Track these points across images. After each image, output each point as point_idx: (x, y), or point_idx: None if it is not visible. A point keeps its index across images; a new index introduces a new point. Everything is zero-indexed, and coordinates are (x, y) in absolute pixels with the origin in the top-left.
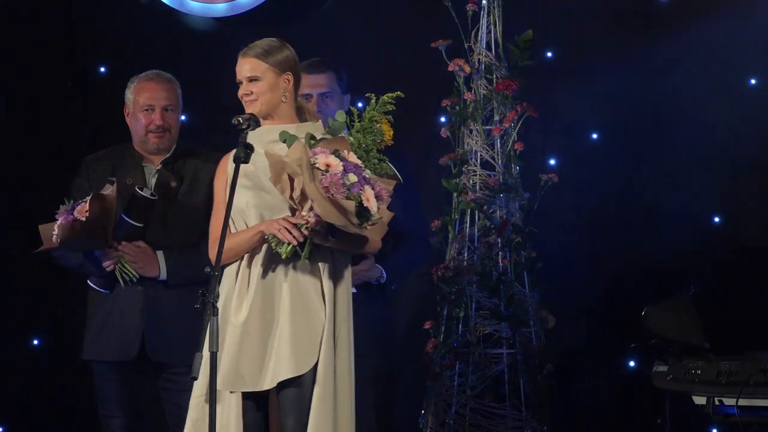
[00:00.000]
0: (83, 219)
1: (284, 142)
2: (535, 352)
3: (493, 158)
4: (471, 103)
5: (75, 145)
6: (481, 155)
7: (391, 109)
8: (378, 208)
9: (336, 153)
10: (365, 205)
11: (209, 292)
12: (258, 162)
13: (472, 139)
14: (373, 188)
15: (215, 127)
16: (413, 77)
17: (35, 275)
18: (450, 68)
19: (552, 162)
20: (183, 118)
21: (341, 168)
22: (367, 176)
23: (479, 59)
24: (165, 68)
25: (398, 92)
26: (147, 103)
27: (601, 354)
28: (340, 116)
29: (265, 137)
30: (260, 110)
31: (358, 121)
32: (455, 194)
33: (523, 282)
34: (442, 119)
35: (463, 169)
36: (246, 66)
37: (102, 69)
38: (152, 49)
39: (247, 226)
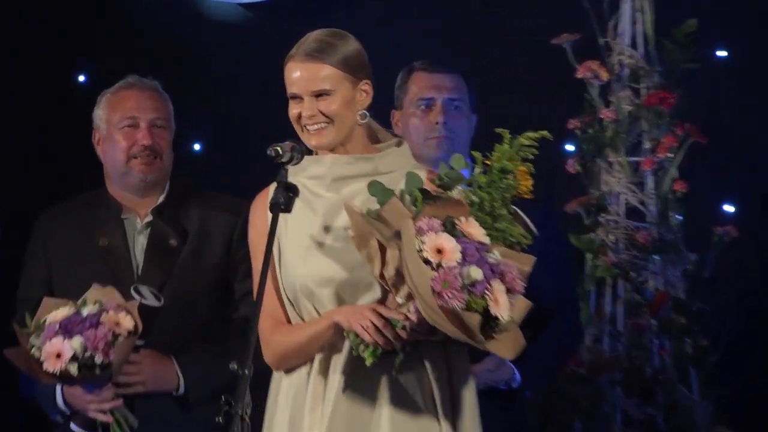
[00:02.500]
0: (107, 359)
1: (374, 195)
2: None
3: (642, 203)
4: (610, 124)
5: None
6: (626, 199)
7: (531, 154)
8: (510, 305)
9: (448, 224)
10: (493, 312)
11: (237, 399)
12: (323, 208)
13: (613, 176)
14: (503, 279)
15: (244, 159)
16: (525, 87)
17: None
18: (579, 74)
19: (729, 209)
20: (197, 147)
21: (458, 255)
22: (494, 261)
23: (620, 61)
24: (169, 78)
25: (543, 131)
26: (128, 116)
27: None
28: (458, 162)
29: (332, 170)
30: (333, 141)
31: (481, 172)
32: (589, 256)
33: (689, 383)
34: (569, 147)
35: (600, 218)
36: (309, 73)
37: (81, 78)
38: (149, 50)
39: (317, 312)
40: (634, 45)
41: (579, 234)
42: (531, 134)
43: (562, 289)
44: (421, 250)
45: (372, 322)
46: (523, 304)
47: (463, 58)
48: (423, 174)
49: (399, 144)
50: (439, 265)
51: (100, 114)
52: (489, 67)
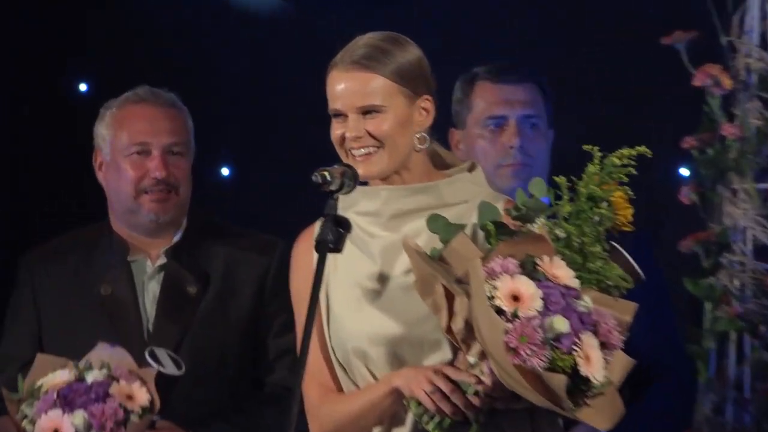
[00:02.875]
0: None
1: (435, 233)
2: None
3: None
4: (734, 142)
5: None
6: (754, 235)
7: (626, 176)
8: (606, 363)
9: (528, 264)
10: (583, 372)
11: None
12: (379, 250)
13: (738, 207)
14: (596, 331)
15: (281, 186)
16: (626, 97)
17: None
18: (696, 82)
19: None
20: (224, 172)
21: (539, 303)
22: (585, 309)
23: (747, 65)
24: (188, 88)
25: (641, 147)
26: (138, 141)
27: None
28: (537, 188)
29: (388, 205)
30: (384, 169)
31: (568, 201)
32: (708, 305)
33: None
34: (683, 172)
35: (722, 259)
36: (356, 85)
37: (83, 87)
38: (163, 54)
39: (373, 376)
40: (764, 45)
41: (696, 279)
42: (626, 151)
43: (668, 345)
44: (492, 297)
45: (437, 387)
46: (622, 362)
47: (545, 61)
48: (501, 205)
49: (471, 169)
50: (514, 316)
51: (102, 133)
52: (580, 72)
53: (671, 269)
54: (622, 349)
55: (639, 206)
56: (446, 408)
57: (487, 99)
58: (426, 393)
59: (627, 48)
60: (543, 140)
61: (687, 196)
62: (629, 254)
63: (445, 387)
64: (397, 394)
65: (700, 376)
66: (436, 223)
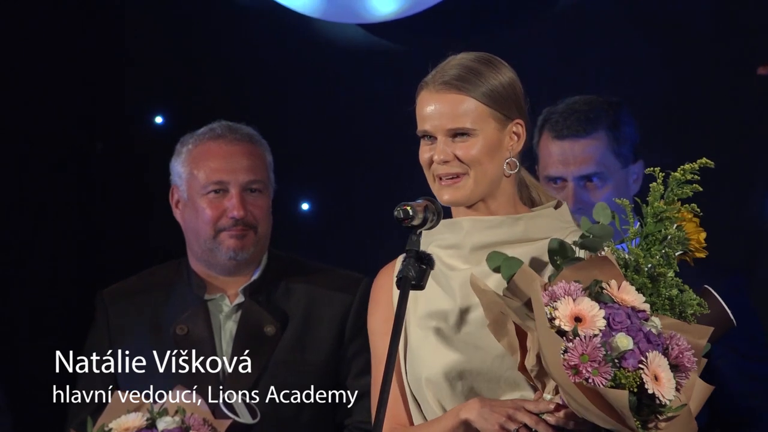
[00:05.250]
0: None
1: (497, 271)
2: None
3: None
4: None
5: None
6: None
7: (691, 192)
8: (678, 388)
9: (594, 289)
10: (650, 390)
11: None
12: (459, 284)
13: None
14: (666, 353)
15: (364, 222)
16: (719, 129)
17: None
18: None
19: None
20: (305, 207)
21: (602, 323)
22: (655, 330)
23: None
24: (267, 120)
25: (702, 159)
26: (215, 180)
27: None
28: (602, 213)
29: (470, 237)
30: (471, 196)
31: (634, 222)
32: None
33: None
34: None
35: None
36: (446, 107)
37: (158, 119)
38: (241, 86)
39: (444, 410)
40: None
41: None
42: (688, 166)
43: (761, 390)
44: (553, 318)
45: (522, 423)
46: (698, 387)
47: (640, 92)
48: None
49: (558, 206)
50: (575, 335)
51: (179, 170)
52: (674, 105)
53: (764, 306)
54: (714, 385)
55: (732, 241)
56: None
57: (547, 157)
58: (504, 428)
59: (721, 77)
60: (611, 191)
61: None
62: (723, 298)
63: (529, 421)
64: (466, 428)
65: None
66: (496, 259)
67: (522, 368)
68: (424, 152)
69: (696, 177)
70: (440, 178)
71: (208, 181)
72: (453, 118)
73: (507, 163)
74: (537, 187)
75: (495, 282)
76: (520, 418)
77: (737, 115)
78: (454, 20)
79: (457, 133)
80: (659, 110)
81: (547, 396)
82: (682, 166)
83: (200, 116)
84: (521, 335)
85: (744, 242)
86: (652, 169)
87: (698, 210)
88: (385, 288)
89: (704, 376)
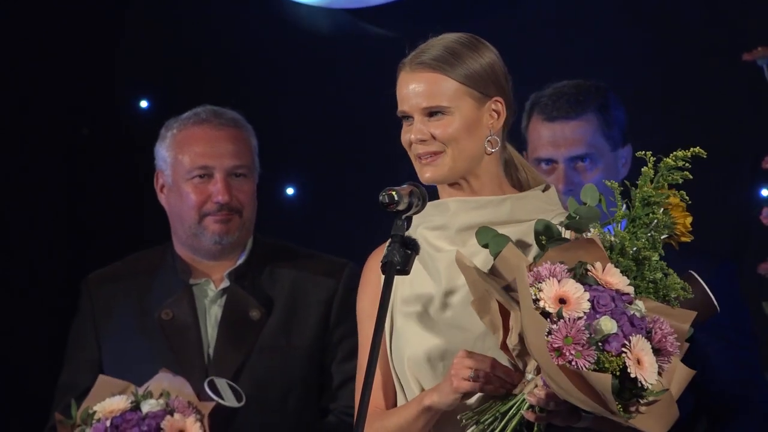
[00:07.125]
0: None
1: (486, 247)
2: None
3: None
4: None
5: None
6: None
7: (681, 179)
8: (660, 372)
9: (579, 270)
10: (632, 374)
11: None
12: (445, 265)
13: None
14: (650, 336)
15: (350, 206)
16: (706, 115)
17: None
18: None
19: None
20: (290, 192)
21: (587, 305)
22: (638, 314)
23: None
24: (253, 105)
25: (695, 148)
26: (199, 165)
27: None
28: (589, 194)
29: (456, 218)
30: (450, 174)
31: (622, 205)
32: None
33: None
34: (765, 193)
35: None
36: (422, 86)
37: (144, 103)
38: (224, 70)
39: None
40: None
41: None
42: (680, 153)
43: (751, 379)
44: (538, 300)
45: (479, 368)
46: (680, 372)
47: (624, 76)
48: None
49: (546, 189)
50: (559, 317)
51: (164, 155)
52: (658, 89)
53: (750, 293)
54: (700, 371)
55: (719, 228)
56: (495, 384)
57: (537, 140)
58: (469, 378)
59: (707, 64)
60: (601, 173)
61: None
62: (708, 285)
63: (482, 364)
64: (430, 414)
65: None
66: (485, 235)
67: (504, 347)
68: (405, 133)
69: (687, 165)
70: (420, 157)
71: (193, 166)
72: (428, 97)
73: (488, 140)
74: (526, 167)
75: (481, 261)
76: (471, 364)
77: (724, 101)
78: (439, 6)
79: (433, 112)
80: (646, 96)
81: (528, 375)
82: (674, 153)
83: (186, 100)
84: (504, 314)
85: (730, 229)
86: (642, 152)
87: (687, 198)
88: (375, 270)
89: (691, 363)
